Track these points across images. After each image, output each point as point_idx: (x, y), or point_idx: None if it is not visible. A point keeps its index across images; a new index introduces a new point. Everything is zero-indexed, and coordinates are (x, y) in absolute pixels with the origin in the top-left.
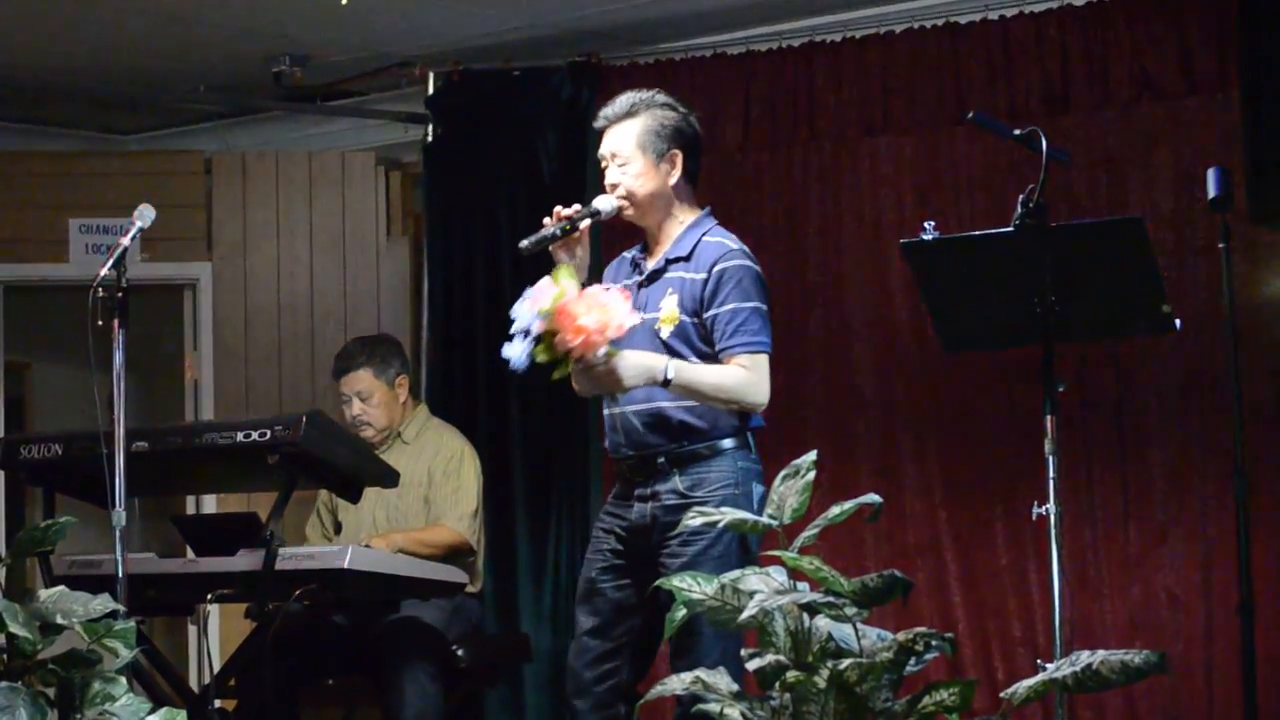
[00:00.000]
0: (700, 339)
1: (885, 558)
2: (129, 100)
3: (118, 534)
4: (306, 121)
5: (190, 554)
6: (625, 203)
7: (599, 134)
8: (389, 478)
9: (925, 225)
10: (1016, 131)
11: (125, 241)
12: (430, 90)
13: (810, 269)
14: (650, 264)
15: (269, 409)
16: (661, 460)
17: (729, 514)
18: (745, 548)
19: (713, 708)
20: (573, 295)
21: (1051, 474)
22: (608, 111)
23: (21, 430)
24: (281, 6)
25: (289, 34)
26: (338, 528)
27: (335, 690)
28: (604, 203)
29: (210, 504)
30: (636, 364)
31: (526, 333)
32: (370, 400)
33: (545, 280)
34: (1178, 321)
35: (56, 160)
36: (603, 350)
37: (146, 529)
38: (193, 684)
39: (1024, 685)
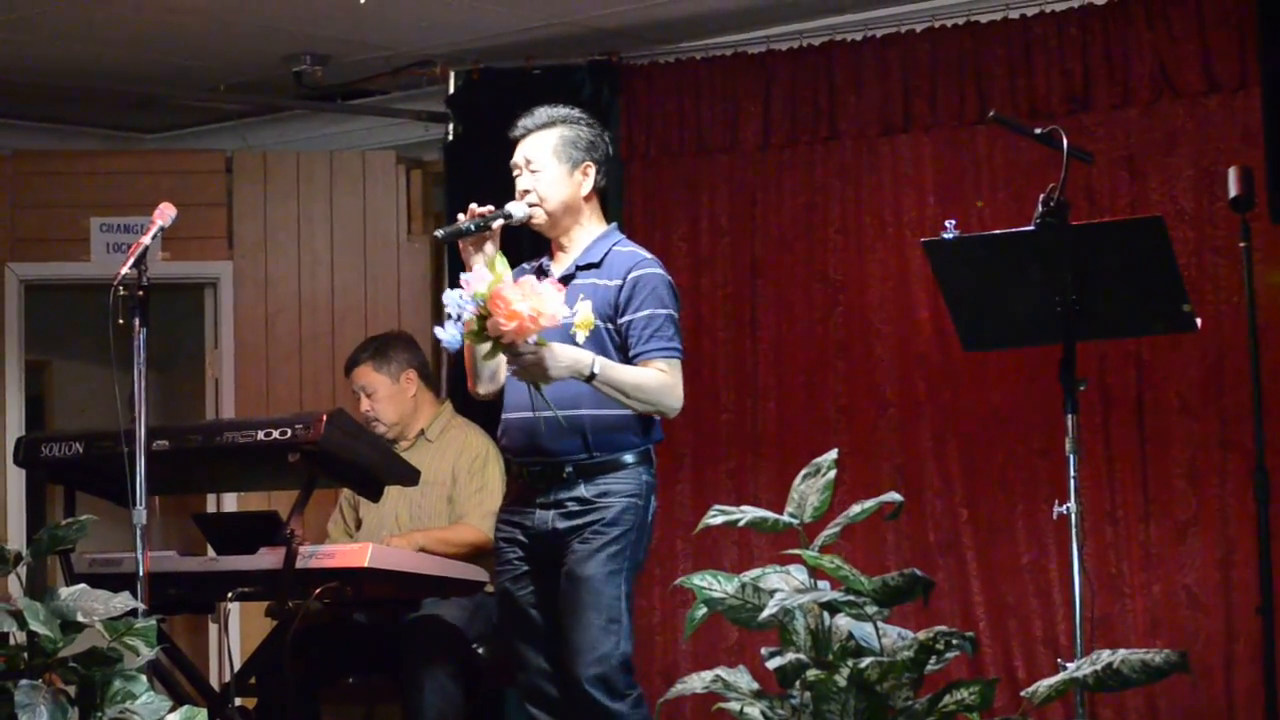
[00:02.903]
0: (614, 345)
1: (906, 556)
2: (150, 99)
3: (138, 532)
4: (327, 120)
5: (211, 552)
6: (537, 210)
7: (514, 143)
8: (410, 476)
9: (946, 224)
10: (1037, 130)
11: (146, 240)
12: (451, 89)
13: (831, 268)
14: (558, 269)
15: (290, 407)
16: (569, 470)
17: (749, 512)
18: (637, 557)
19: (733, 705)
20: (508, 282)
21: (1072, 472)
22: (526, 122)
23: (42, 428)
24: (302, 6)
25: (310, 33)
26: (359, 525)
27: (355, 689)
28: (516, 208)
29: (231, 502)
30: (564, 356)
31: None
32: (375, 395)
33: (479, 267)
34: (1198, 320)
35: (78, 159)
36: (532, 339)
37: (167, 527)
38: (213, 682)
39: (1045, 684)
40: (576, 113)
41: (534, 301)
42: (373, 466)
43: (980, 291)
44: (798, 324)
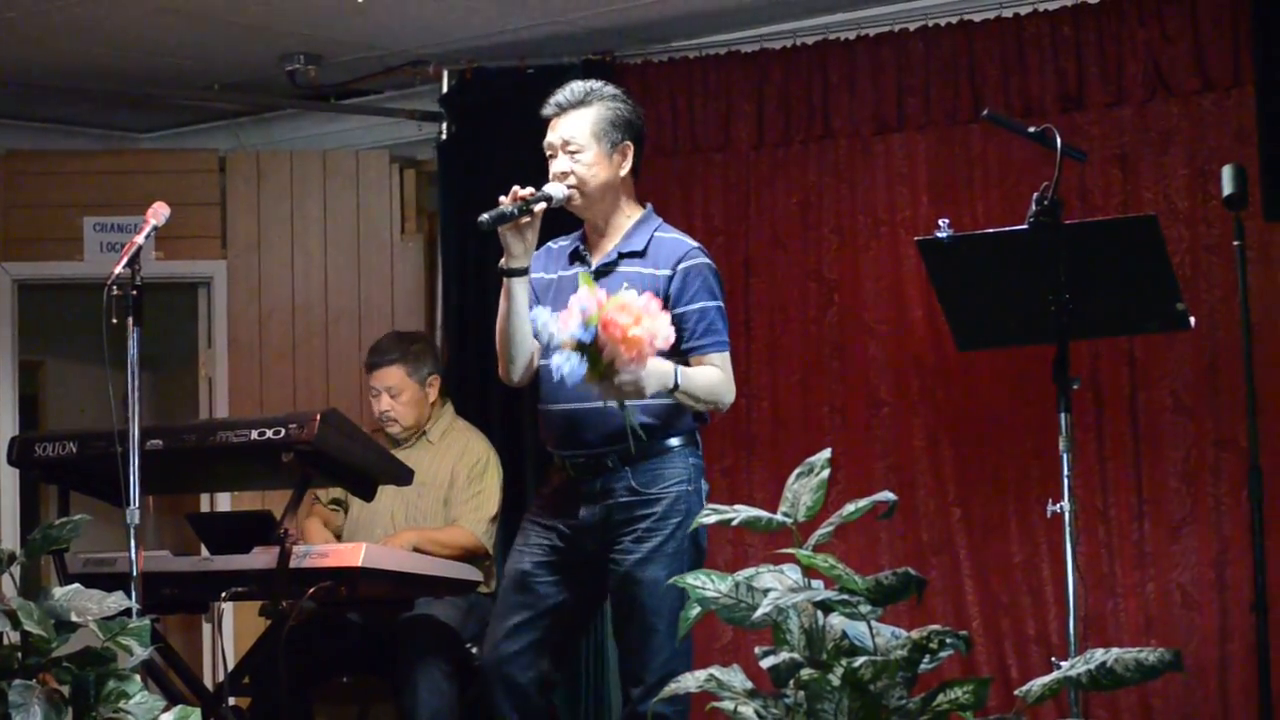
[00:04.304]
0: None
1: (899, 555)
2: (144, 99)
3: (132, 532)
4: (321, 120)
5: (205, 552)
6: (575, 192)
7: (546, 121)
8: (403, 476)
9: (940, 223)
10: (1031, 129)
11: (140, 240)
12: (444, 88)
13: (825, 267)
14: (597, 257)
15: (283, 407)
16: (613, 459)
17: (743, 511)
18: (697, 545)
19: (726, 705)
20: (614, 304)
21: (1066, 471)
22: (559, 98)
23: (36, 428)
24: (296, 5)
25: (303, 32)
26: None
27: (349, 688)
28: (555, 189)
29: (224, 502)
30: (655, 371)
31: (577, 344)
32: (400, 397)
33: (583, 290)
34: (1192, 319)
35: (71, 159)
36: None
37: (161, 527)
38: (207, 682)
39: (1038, 683)
40: (612, 89)
41: (648, 323)
42: (366, 466)
43: (974, 291)
44: (791, 323)
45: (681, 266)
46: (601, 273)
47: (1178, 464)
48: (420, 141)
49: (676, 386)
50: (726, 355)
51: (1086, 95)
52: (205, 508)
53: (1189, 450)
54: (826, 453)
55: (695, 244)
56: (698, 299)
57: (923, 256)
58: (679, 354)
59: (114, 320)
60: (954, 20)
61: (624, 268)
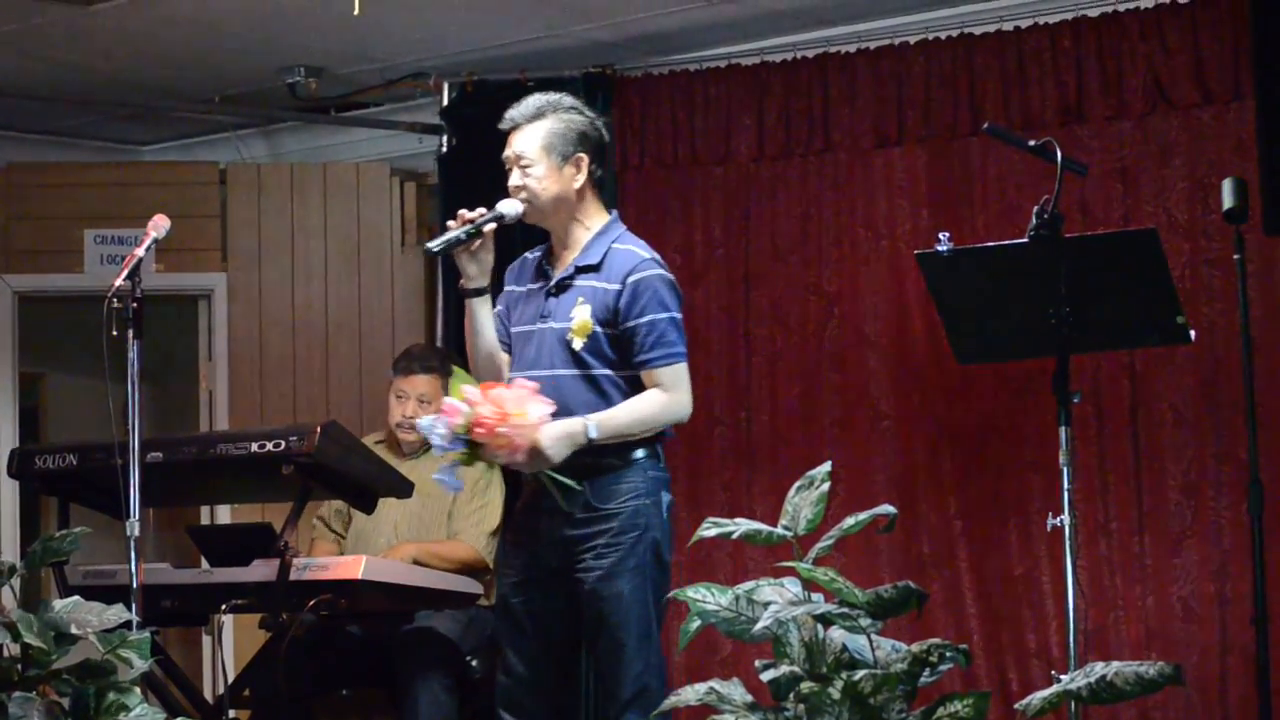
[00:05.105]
0: (611, 349)
1: (900, 569)
2: (144, 111)
3: (132, 544)
4: (321, 132)
5: (205, 564)
6: (528, 206)
7: (504, 136)
8: (402, 488)
9: (940, 236)
10: (1031, 143)
11: (140, 252)
12: (445, 101)
13: (825, 280)
14: (558, 272)
15: (283, 419)
16: (569, 474)
17: (743, 525)
18: (660, 559)
19: (726, 718)
20: (481, 406)
21: (1066, 485)
22: (513, 114)
23: (36, 440)
24: (296, 18)
25: (303, 45)
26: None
27: (350, 701)
28: (508, 206)
29: (225, 514)
30: (559, 438)
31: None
32: (429, 407)
33: (451, 399)
34: (1192, 332)
35: (72, 171)
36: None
37: (161, 539)
38: (207, 694)
39: (1038, 697)
40: (568, 100)
41: (514, 414)
42: (366, 478)
43: (974, 304)
44: (791, 336)
45: (630, 280)
46: (561, 287)
47: (1178, 477)
48: (421, 154)
49: (591, 441)
50: (678, 367)
51: (1087, 108)
52: (205, 520)
53: (1189, 464)
54: (827, 466)
55: (649, 255)
56: (647, 312)
57: (923, 270)
58: (631, 367)
59: (114, 333)
60: (954, 33)
61: (580, 282)
